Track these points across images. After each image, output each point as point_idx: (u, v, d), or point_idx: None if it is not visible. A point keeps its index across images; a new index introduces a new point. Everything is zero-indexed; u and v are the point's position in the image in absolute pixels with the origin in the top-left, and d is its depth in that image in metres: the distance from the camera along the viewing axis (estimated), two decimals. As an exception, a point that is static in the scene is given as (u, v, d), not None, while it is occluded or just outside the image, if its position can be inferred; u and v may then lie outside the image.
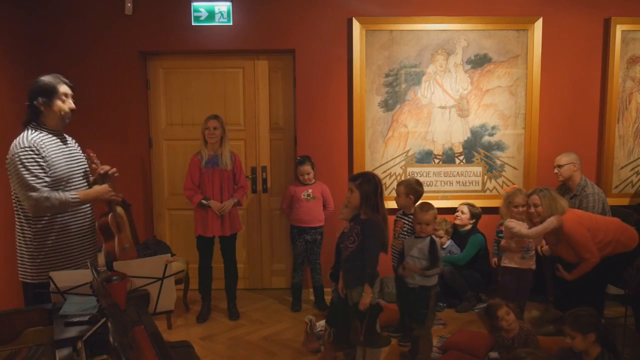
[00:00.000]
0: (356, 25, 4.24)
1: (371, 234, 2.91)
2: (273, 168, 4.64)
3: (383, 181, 4.34)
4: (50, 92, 2.62)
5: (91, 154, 2.90)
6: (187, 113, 4.55)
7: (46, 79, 2.65)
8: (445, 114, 4.38)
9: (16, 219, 2.68)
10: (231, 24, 4.27)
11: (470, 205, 4.31)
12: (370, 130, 4.37)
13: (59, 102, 2.65)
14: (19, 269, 2.72)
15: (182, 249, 4.52)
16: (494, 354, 3.28)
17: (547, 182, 4.37)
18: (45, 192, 2.52)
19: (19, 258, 2.71)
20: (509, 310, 3.15)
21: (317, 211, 4.23)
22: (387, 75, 4.33)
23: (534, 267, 3.71)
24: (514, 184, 4.42)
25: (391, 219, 3.64)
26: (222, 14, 4.25)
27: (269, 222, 4.68)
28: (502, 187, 4.45)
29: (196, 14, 4.24)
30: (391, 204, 4.02)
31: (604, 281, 3.69)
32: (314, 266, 4.32)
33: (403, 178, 4.37)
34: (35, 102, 2.61)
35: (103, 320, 1.79)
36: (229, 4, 4.23)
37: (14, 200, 2.66)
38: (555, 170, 4.08)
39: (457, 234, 4.35)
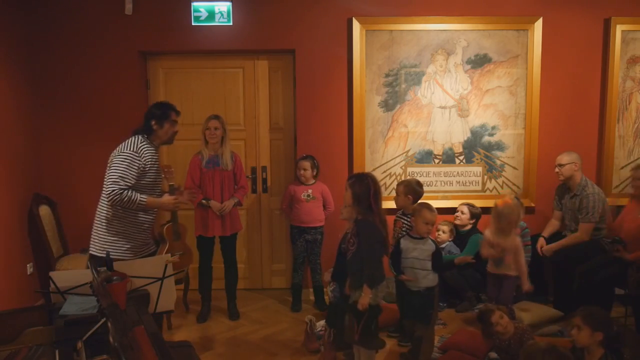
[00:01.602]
0: (356, 25, 4.24)
1: (366, 234, 2.90)
2: (273, 168, 4.64)
3: (383, 181, 4.35)
4: (163, 118, 3.25)
5: (165, 170, 3.43)
6: (187, 113, 4.53)
7: (162, 108, 3.27)
8: (445, 114, 4.38)
9: (101, 202, 3.19)
10: (231, 24, 4.27)
11: (470, 206, 4.30)
12: (370, 130, 4.37)
13: (167, 125, 3.26)
14: (92, 243, 3.20)
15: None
16: (493, 354, 3.28)
17: (547, 182, 4.38)
18: (123, 189, 3.03)
19: (94, 234, 3.20)
20: (502, 314, 3.13)
21: (317, 211, 4.23)
22: (387, 75, 4.33)
23: (514, 273, 3.54)
24: (514, 184, 4.43)
25: (391, 219, 3.64)
26: (222, 14, 4.25)
27: (269, 222, 4.68)
28: (502, 187, 4.45)
29: (196, 14, 4.24)
30: (391, 204, 4.02)
31: (612, 283, 3.68)
32: (314, 266, 4.32)
33: (403, 178, 4.37)
34: (151, 122, 3.21)
35: (103, 320, 1.79)
36: (229, 4, 4.23)
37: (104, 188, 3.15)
38: (556, 170, 4.07)
39: (457, 234, 4.34)
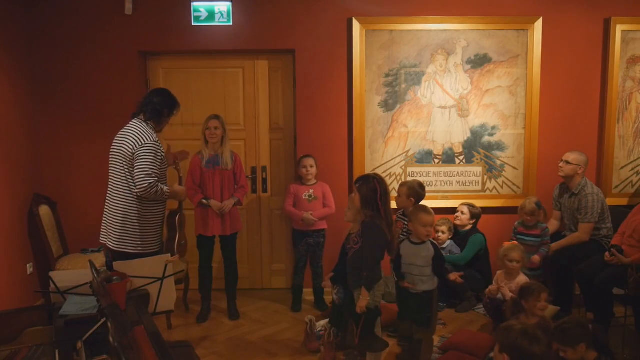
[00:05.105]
0: (356, 25, 4.24)
1: (369, 236, 2.90)
2: (273, 168, 4.64)
3: (383, 181, 4.34)
4: (174, 107, 3.35)
5: (175, 161, 3.54)
6: (187, 113, 4.54)
7: (172, 99, 3.33)
8: (445, 114, 4.38)
9: (122, 198, 3.17)
10: (231, 24, 4.27)
11: (470, 206, 4.30)
12: (370, 130, 4.37)
13: (170, 117, 3.39)
14: (115, 240, 3.20)
15: (182, 249, 4.51)
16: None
17: (547, 182, 4.38)
18: (157, 181, 3.12)
19: (118, 231, 3.18)
20: (547, 297, 3.23)
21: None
22: (387, 75, 4.33)
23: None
24: (514, 184, 4.43)
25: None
26: (222, 14, 4.25)
27: (269, 222, 4.68)
28: (502, 187, 4.45)
29: (196, 14, 4.24)
30: (392, 204, 4.02)
31: (611, 283, 3.67)
32: (315, 269, 4.27)
33: (403, 178, 4.37)
34: (164, 109, 3.27)
35: (103, 320, 1.79)
36: (229, 4, 4.23)
37: (124, 183, 3.17)
38: (560, 164, 4.04)
39: (457, 234, 4.34)
